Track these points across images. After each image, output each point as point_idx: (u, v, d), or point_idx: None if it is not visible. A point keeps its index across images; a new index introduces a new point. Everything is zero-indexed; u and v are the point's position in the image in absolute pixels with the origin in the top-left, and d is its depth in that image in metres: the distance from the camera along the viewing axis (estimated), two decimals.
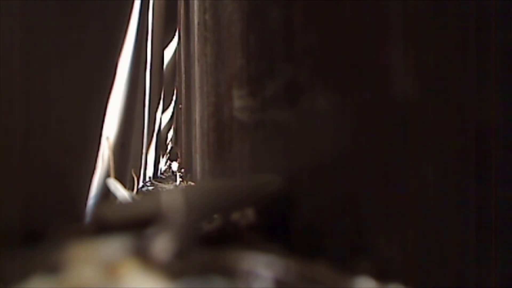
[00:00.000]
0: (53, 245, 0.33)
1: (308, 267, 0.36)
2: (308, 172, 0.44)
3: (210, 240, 0.45)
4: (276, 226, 0.47)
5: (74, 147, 0.62)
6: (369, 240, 0.38)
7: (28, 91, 0.52)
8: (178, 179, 1.82)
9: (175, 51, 2.53)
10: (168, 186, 1.60)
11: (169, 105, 2.64)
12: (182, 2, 2.33)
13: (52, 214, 0.56)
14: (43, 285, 0.30)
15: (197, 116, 1.07)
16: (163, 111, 2.32)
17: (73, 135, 0.61)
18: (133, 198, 0.72)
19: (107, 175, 0.74)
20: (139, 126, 1.22)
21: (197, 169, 1.14)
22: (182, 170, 2.47)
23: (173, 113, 2.85)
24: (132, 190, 1.08)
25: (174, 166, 2.90)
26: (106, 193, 0.72)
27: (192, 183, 1.45)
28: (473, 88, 0.31)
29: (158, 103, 2.01)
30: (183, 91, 2.54)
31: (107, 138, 0.74)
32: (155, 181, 1.81)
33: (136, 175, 1.14)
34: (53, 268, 0.30)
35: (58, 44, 0.57)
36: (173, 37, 2.45)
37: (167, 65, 2.38)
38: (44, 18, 0.55)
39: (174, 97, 2.79)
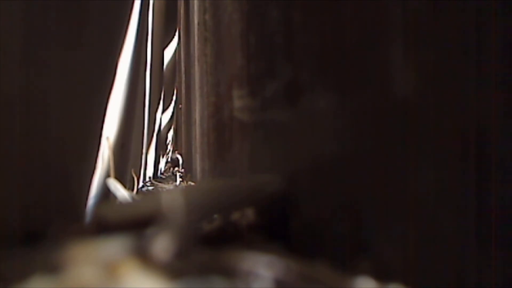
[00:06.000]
0: (53, 245, 0.33)
1: (308, 267, 0.36)
2: (308, 172, 0.44)
3: (210, 240, 0.45)
4: (276, 226, 0.47)
5: (74, 147, 0.62)
6: (369, 240, 0.38)
7: (28, 91, 0.52)
8: (178, 179, 1.82)
9: (175, 51, 2.53)
10: (168, 186, 1.60)
11: (169, 105, 2.64)
12: (182, 2, 2.33)
13: (52, 214, 0.56)
14: (43, 285, 0.30)
15: (197, 116, 1.07)
16: (163, 111, 2.32)
17: (73, 135, 0.61)
18: (133, 198, 0.72)
19: (107, 175, 0.74)
20: (139, 126, 1.22)
21: (197, 169, 1.14)
22: (182, 170, 2.47)
23: (173, 113, 2.85)
24: (132, 190, 1.08)
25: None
26: (106, 193, 0.72)
27: (192, 183, 1.45)
28: (473, 88, 0.31)
29: (158, 103, 2.01)
30: (183, 91, 2.54)
31: (107, 138, 0.74)
32: (155, 181, 1.80)
33: (136, 175, 1.14)
34: (53, 268, 0.30)
35: (58, 44, 0.57)
36: (173, 37, 2.45)
37: (167, 65, 2.38)
38: (44, 18, 0.55)
39: (174, 97, 2.79)
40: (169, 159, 3.01)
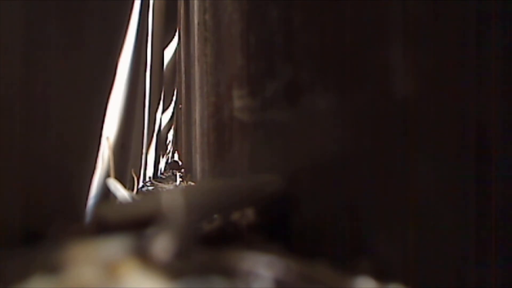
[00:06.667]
0: (53, 245, 0.33)
1: (308, 267, 0.36)
2: (308, 172, 0.44)
3: (210, 240, 0.45)
4: (276, 226, 0.47)
5: (74, 147, 0.62)
6: (369, 240, 0.38)
7: (28, 91, 0.52)
8: (178, 179, 1.82)
9: (175, 51, 2.53)
10: (168, 186, 1.60)
11: (169, 105, 2.64)
12: (182, 2, 2.34)
13: (52, 214, 0.56)
14: (43, 285, 0.30)
15: (197, 116, 1.07)
16: (163, 111, 2.32)
17: (73, 135, 0.61)
18: (133, 198, 0.72)
19: (107, 175, 0.74)
20: (139, 126, 1.22)
21: (197, 169, 1.14)
22: (182, 170, 2.47)
23: (173, 113, 2.85)
24: (132, 190, 1.08)
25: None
26: (106, 193, 0.72)
27: (192, 183, 1.45)
28: (473, 88, 0.31)
29: (158, 103, 2.01)
30: (183, 91, 2.54)
31: (107, 138, 0.74)
32: (155, 181, 1.80)
33: (136, 175, 1.14)
34: (53, 268, 0.30)
35: (58, 44, 0.57)
36: (173, 37, 2.45)
37: (167, 65, 2.38)
38: (44, 18, 0.55)
39: (174, 97, 2.79)
40: (168, 161, 3.00)
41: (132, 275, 0.30)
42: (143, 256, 0.32)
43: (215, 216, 0.49)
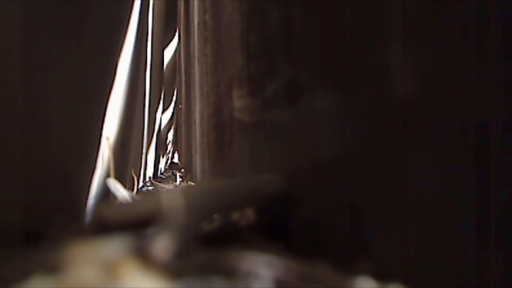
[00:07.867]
0: (53, 245, 0.33)
1: (308, 267, 0.36)
2: (308, 172, 0.44)
3: (210, 240, 0.45)
4: (276, 226, 0.47)
5: (74, 147, 0.62)
6: (369, 240, 0.38)
7: (28, 91, 0.52)
8: (178, 179, 1.82)
9: (175, 51, 2.53)
10: (168, 186, 1.60)
11: (169, 105, 2.64)
12: (182, 2, 2.34)
13: (52, 214, 0.56)
14: (43, 285, 0.30)
15: (197, 116, 1.07)
16: (163, 111, 2.32)
17: (73, 135, 0.61)
18: (133, 198, 0.72)
19: (107, 175, 0.74)
20: (139, 126, 1.22)
21: (197, 169, 1.14)
22: (182, 170, 2.47)
23: (173, 113, 2.85)
24: (132, 190, 1.08)
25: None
26: (106, 193, 0.72)
27: (192, 183, 1.45)
28: (473, 88, 0.31)
29: (158, 103, 2.01)
30: (183, 91, 2.54)
31: (107, 138, 0.74)
32: (155, 181, 1.80)
33: (136, 175, 1.14)
34: (53, 268, 0.30)
35: (58, 44, 0.57)
36: (173, 37, 2.45)
37: (167, 65, 2.38)
38: (44, 18, 0.55)
39: (174, 97, 2.79)
40: (168, 162, 3.00)
41: (132, 275, 0.30)
42: (143, 256, 0.32)
43: (215, 216, 0.49)
